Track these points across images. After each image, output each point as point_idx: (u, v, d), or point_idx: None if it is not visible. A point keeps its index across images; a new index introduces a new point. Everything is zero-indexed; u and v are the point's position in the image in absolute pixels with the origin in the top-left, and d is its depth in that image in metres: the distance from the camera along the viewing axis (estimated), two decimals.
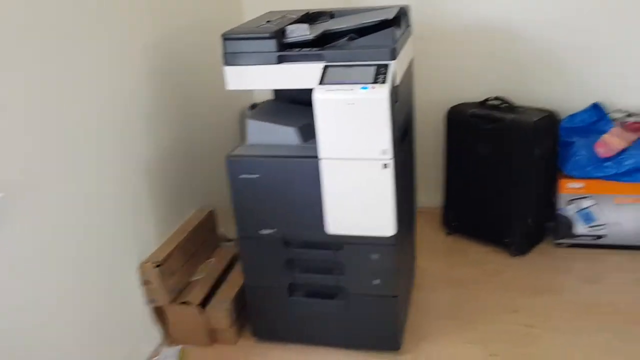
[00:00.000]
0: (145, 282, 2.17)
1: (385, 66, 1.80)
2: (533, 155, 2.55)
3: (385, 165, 1.84)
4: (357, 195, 1.91)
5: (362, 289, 2.07)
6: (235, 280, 2.38)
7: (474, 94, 2.80)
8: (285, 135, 2.04)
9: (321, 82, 1.82)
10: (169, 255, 2.21)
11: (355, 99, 1.77)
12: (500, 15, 2.76)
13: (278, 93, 2.33)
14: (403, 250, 2.15)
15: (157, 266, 2.14)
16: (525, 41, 2.76)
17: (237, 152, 2.03)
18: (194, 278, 2.38)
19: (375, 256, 2.00)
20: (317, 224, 1.99)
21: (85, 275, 1.91)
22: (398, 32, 1.94)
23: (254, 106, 3.09)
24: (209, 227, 2.56)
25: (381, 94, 1.75)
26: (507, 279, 2.58)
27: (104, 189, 1.98)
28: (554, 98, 2.77)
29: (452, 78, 2.87)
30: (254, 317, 2.25)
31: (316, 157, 1.89)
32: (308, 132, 2.05)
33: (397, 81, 1.86)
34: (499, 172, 2.64)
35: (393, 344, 2.14)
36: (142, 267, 2.15)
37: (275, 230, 2.05)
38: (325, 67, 1.85)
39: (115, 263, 2.06)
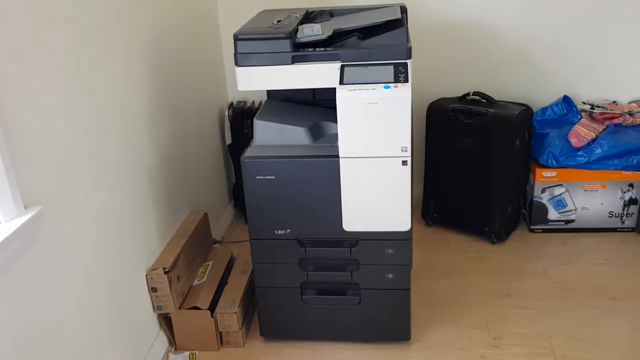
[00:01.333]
0: (153, 289, 2.12)
1: (405, 65, 1.85)
2: (514, 147, 2.69)
3: (404, 162, 1.90)
4: (375, 192, 1.95)
5: (375, 283, 2.12)
6: (237, 282, 2.37)
7: (451, 89, 2.91)
8: (295, 135, 2.05)
9: (342, 82, 1.85)
10: (176, 261, 2.17)
11: (379, 98, 1.81)
12: (475, 14, 2.88)
13: (271, 92, 2.32)
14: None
15: (166, 272, 2.09)
16: (499, 39, 2.90)
17: (251, 153, 2.01)
18: (195, 282, 2.34)
19: (390, 251, 2.05)
20: (332, 222, 2.02)
21: (100, 284, 1.84)
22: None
23: (231, 106, 3.07)
24: (205, 230, 2.52)
25: (405, 92, 1.80)
26: (492, 265, 2.72)
27: (115, 196, 1.92)
28: (526, 92, 2.94)
29: (430, 74, 2.95)
30: (264, 318, 2.24)
31: (335, 156, 1.92)
32: (316, 131, 2.08)
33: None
34: (479, 164, 2.77)
35: (404, 334, 2.20)
36: (150, 273, 2.10)
37: (290, 230, 2.06)
38: (342, 67, 1.88)
39: (127, 270, 2.00)
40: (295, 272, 2.13)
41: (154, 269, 2.11)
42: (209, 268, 2.42)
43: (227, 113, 3.02)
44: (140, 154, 2.11)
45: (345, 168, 1.93)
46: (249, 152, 2.02)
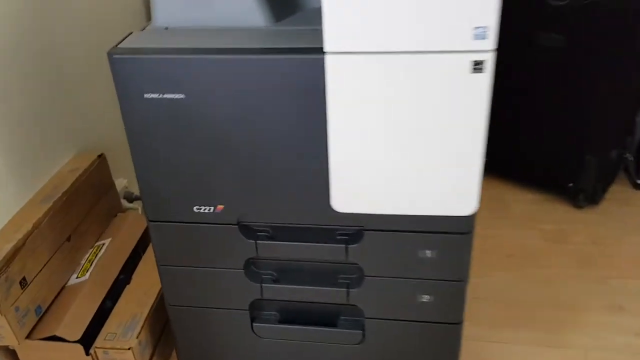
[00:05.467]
0: None
1: None
2: (631, 53, 1.58)
3: (477, 66, 0.81)
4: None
5: (394, 310, 1.08)
6: (148, 278, 1.35)
7: None
8: (233, 8, 0.95)
9: None
10: (17, 250, 1.13)
11: None
12: None
13: None
14: None
15: None
16: None
17: (134, 43, 0.93)
18: (74, 280, 1.32)
19: (429, 253, 1.00)
20: (310, 193, 0.96)
21: None
22: None
23: None
24: (100, 182, 1.46)
25: None
26: (586, 246, 1.68)
27: None
28: None
29: None
30: (185, 358, 1.24)
31: (318, 51, 0.83)
32: (282, 2, 0.98)
33: None
34: (570, 77, 1.67)
35: None
36: None
37: (222, 206, 1.00)
38: None
39: None
40: (239, 283, 1.09)
41: None
42: (102, 251, 1.39)
43: None
44: None
45: (337, 77, 0.84)
46: (129, 41, 0.93)
